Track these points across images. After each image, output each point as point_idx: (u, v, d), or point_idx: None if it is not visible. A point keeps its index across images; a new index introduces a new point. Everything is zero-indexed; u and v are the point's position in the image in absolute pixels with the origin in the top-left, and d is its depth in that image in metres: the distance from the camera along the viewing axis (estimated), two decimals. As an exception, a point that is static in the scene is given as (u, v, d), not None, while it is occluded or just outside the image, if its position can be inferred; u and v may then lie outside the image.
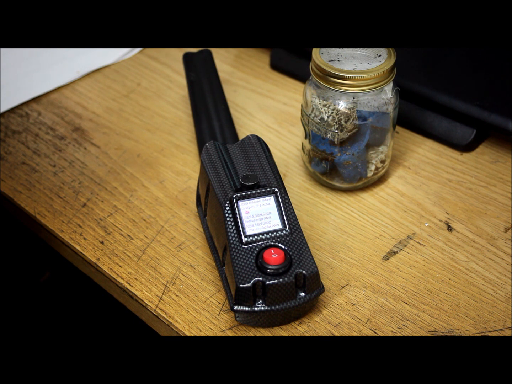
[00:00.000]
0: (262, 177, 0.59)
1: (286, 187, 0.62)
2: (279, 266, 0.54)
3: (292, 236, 0.56)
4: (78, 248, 0.64)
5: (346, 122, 0.63)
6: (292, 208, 0.57)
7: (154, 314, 0.59)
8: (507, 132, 0.69)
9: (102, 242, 0.64)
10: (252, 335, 0.56)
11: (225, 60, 0.87)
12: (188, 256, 0.63)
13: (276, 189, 0.57)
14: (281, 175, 0.68)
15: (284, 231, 0.56)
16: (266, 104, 0.80)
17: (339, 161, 0.66)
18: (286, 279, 0.54)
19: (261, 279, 0.54)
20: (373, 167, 0.67)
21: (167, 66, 0.87)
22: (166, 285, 0.60)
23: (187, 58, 0.79)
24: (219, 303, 0.59)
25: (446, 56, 0.75)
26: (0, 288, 0.87)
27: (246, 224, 0.56)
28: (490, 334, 0.56)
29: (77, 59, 0.88)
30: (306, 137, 0.67)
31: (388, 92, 0.64)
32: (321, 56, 0.63)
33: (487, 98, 0.70)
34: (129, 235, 0.65)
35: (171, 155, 0.74)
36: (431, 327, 0.56)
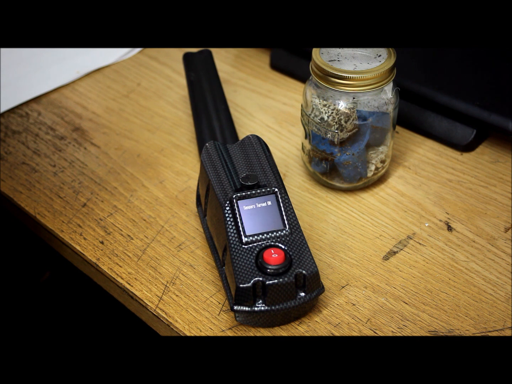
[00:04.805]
0: (262, 177, 0.59)
1: (286, 187, 0.62)
2: (279, 266, 0.54)
3: (292, 236, 0.56)
4: (78, 248, 0.64)
5: (346, 122, 0.63)
6: (292, 208, 0.57)
7: (154, 314, 0.59)
8: (507, 132, 0.69)
9: (102, 242, 0.64)
10: (252, 335, 0.56)
11: (225, 60, 0.87)
12: (188, 256, 0.63)
13: (276, 189, 0.57)
14: (281, 175, 0.68)
15: (284, 231, 0.56)
16: (266, 104, 0.80)
17: (339, 161, 0.66)
18: (286, 279, 0.54)
19: (261, 279, 0.54)
20: (373, 167, 0.67)
21: (167, 66, 0.87)
22: (166, 285, 0.60)
23: (187, 58, 0.79)
24: (219, 303, 0.59)
25: (446, 56, 0.75)
26: (0, 288, 0.87)
27: (246, 224, 0.56)
28: (490, 334, 0.56)
29: (77, 59, 0.88)
30: (306, 137, 0.67)
31: (388, 92, 0.64)
32: (321, 56, 0.63)
33: (487, 98, 0.70)
34: (129, 235, 0.65)
35: (171, 155, 0.74)
36: (431, 327, 0.56)
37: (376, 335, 0.56)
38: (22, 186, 0.70)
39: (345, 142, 0.64)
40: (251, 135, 0.63)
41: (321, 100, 0.64)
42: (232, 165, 0.61)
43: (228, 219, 0.56)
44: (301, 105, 0.66)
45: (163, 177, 0.71)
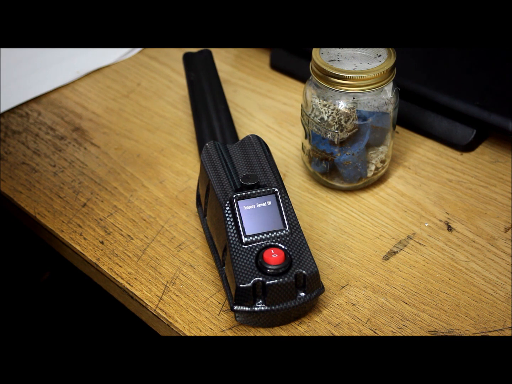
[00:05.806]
0: (262, 177, 0.59)
1: (286, 187, 0.62)
2: (279, 266, 0.54)
3: (292, 236, 0.56)
4: (78, 248, 0.64)
5: (346, 122, 0.63)
6: (292, 208, 0.57)
7: (154, 314, 0.59)
8: (507, 132, 0.69)
9: (102, 242, 0.64)
10: (252, 335, 0.56)
11: (225, 60, 0.87)
12: (188, 256, 0.63)
13: (276, 189, 0.57)
14: (281, 175, 0.68)
15: (284, 231, 0.56)
16: (266, 104, 0.80)
17: (339, 161, 0.66)
18: (286, 279, 0.54)
19: (261, 279, 0.54)
20: (373, 167, 0.67)
21: (167, 66, 0.87)
22: (166, 285, 0.60)
23: (187, 58, 0.79)
24: (219, 303, 0.59)
25: (446, 56, 0.75)
26: (0, 288, 0.87)
27: (246, 224, 0.56)
28: (490, 334, 0.56)
29: (77, 59, 0.88)
30: (306, 137, 0.67)
31: (388, 92, 0.64)
32: (321, 56, 0.63)
33: (487, 98, 0.70)
34: (129, 235, 0.65)
35: (171, 155, 0.74)
36: (431, 327, 0.56)
37: (376, 335, 0.56)
38: (22, 186, 0.70)
39: (345, 142, 0.64)
40: (251, 135, 0.63)
41: (321, 100, 0.64)
42: (232, 165, 0.61)
43: (228, 219, 0.56)
44: (301, 105, 0.66)
45: (163, 177, 0.71)
